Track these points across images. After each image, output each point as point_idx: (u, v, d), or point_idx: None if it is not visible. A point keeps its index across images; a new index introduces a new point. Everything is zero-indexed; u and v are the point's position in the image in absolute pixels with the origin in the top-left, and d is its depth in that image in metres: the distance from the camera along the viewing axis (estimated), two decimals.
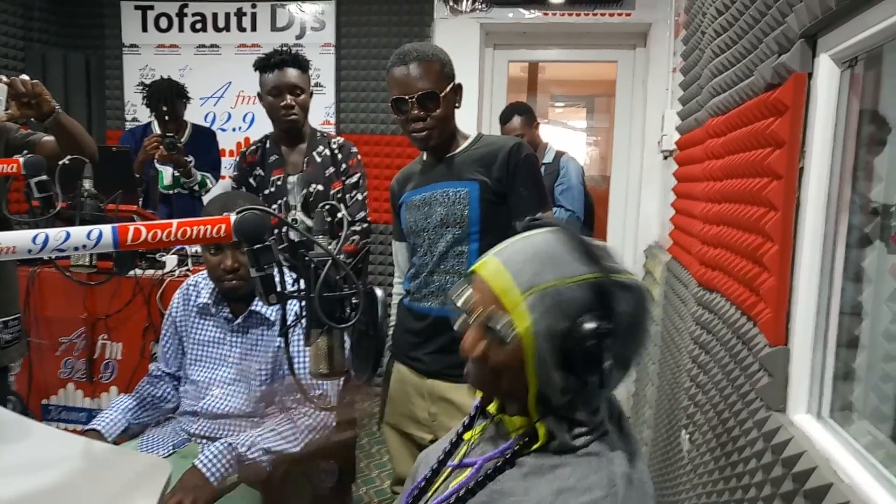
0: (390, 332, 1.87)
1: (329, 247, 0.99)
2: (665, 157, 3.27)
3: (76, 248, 0.88)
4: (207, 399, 1.83)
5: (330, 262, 0.94)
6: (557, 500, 0.83)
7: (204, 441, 1.80)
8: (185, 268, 2.66)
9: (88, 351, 2.67)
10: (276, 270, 0.95)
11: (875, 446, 1.05)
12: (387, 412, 1.87)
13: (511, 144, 1.69)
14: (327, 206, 1.15)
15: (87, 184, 1.68)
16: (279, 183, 2.40)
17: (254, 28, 4.07)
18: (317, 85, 4.02)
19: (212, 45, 4.12)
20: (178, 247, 2.68)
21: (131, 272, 2.55)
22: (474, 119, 3.84)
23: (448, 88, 1.69)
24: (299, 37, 4.02)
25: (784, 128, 1.24)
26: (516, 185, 1.66)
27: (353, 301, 0.98)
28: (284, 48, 2.41)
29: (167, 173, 3.32)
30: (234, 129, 4.17)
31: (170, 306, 1.98)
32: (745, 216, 1.45)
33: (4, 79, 1.73)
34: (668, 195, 2.85)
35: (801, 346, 1.20)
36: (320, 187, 2.36)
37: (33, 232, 0.86)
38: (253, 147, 2.54)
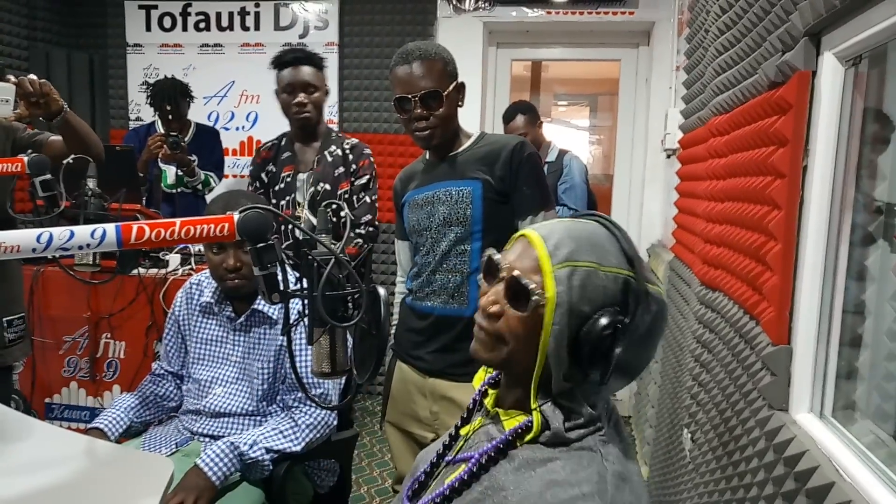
0: (392, 331, 1.87)
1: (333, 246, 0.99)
2: (668, 156, 3.27)
3: (80, 247, 0.88)
4: (210, 398, 1.83)
5: (333, 260, 0.94)
6: (547, 493, 0.83)
7: (206, 439, 1.80)
8: (189, 267, 2.67)
9: (91, 350, 2.68)
10: (278, 269, 0.95)
11: (877, 445, 1.05)
12: (388, 411, 1.87)
13: (514, 143, 1.69)
14: (333, 206, 1.15)
15: (91, 183, 1.69)
16: (288, 179, 2.41)
17: (257, 27, 4.07)
18: None
19: (215, 45, 4.12)
20: (182, 246, 2.68)
21: (134, 271, 2.56)
22: (477, 118, 3.84)
23: (451, 87, 1.69)
24: (302, 36, 4.01)
25: (787, 126, 1.24)
26: (519, 184, 1.66)
27: (356, 300, 0.98)
28: (300, 46, 2.42)
29: (171, 172, 3.32)
30: (237, 129, 4.17)
31: (173, 305, 1.99)
32: (748, 215, 1.45)
33: (13, 78, 1.73)
34: (671, 194, 2.85)
35: (804, 344, 1.20)
36: (328, 186, 2.37)
37: (37, 231, 0.86)
38: (269, 144, 2.56)
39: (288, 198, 2.41)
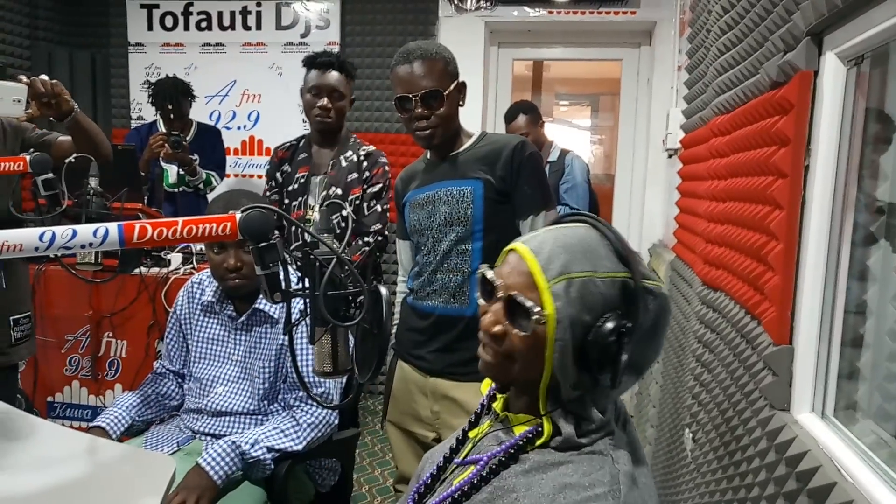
0: (394, 331, 1.87)
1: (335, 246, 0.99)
2: (669, 156, 3.26)
3: (82, 246, 0.88)
4: (211, 396, 1.84)
5: (335, 260, 0.94)
6: (559, 496, 0.83)
7: (208, 438, 1.81)
8: (190, 266, 2.67)
9: (93, 348, 2.68)
10: (280, 268, 0.96)
11: (879, 445, 1.05)
12: (389, 410, 1.87)
13: (515, 143, 1.69)
14: (329, 204, 1.15)
15: (93, 182, 1.69)
16: (302, 181, 2.41)
17: (259, 27, 4.07)
18: None
19: (217, 44, 4.12)
20: (183, 245, 2.68)
21: (136, 270, 2.56)
22: (479, 117, 3.84)
23: (452, 87, 1.69)
24: (304, 35, 4.02)
25: (789, 126, 1.24)
26: (520, 184, 1.66)
27: (358, 299, 0.98)
28: (334, 51, 2.41)
29: (172, 171, 3.33)
30: (238, 128, 4.17)
31: (174, 304, 1.99)
32: (749, 215, 1.45)
33: (25, 79, 1.74)
34: (672, 194, 2.85)
35: (806, 345, 1.20)
36: (339, 191, 2.36)
37: (40, 229, 0.86)
38: (287, 144, 2.56)
39: (300, 199, 2.40)
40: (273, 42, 4.05)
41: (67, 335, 2.70)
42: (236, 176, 4.16)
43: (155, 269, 2.61)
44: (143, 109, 4.13)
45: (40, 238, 0.86)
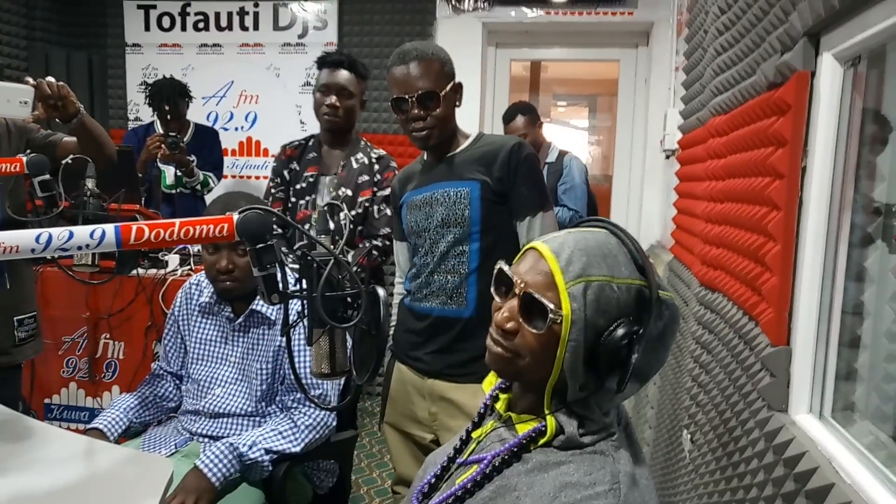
0: (391, 332, 1.87)
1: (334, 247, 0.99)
2: (667, 157, 3.26)
3: (79, 248, 0.88)
4: (209, 398, 1.83)
5: (332, 261, 0.94)
6: (561, 494, 0.84)
7: (206, 440, 1.80)
8: (188, 267, 2.67)
9: (91, 350, 2.68)
10: (277, 270, 0.95)
11: (877, 446, 1.05)
12: (387, 412, 1.87)
13: (512, 143, 1.69)
14: (328, 206, 1.15)
15: (90, 183, 1.69)
16: (311, 180, 2.39)
17: (256, 27, 4.07)
18: None
19: (214, 45, 4.12)
20: (181, 246, 2.68)
21: (133, 271, 2.56)
22: (476, 118, 3.84)
23: (448, 87, 1.69)
24: (301, 36, 4.02)
25: (786, 127, 1.24)
26: (517, 185, 1.66)
27: (356, 301, 0.98)
28: (347, 52, 2.40)
29: (170, 173, 3.33)
30: (236, 129, 4.17)
31: (173, 305, 1.99)
32: (747, 215, 1.45)
33: (31, 81, 1.75)
34: (670, 194, 2.85)
35: (803, 345, 1.20)
36: (349, 192, 2.34)
37: (36, 231, 0.86)
38: (295, 142, 2.53)
39: (308, 198, 2.38)
40: (270, 43, 4.06)
41: (64, 337, 2.69)
42: (234, 177, 4.16)
43: (152, 271, 2.61)
44: (141, 110, 4.13)
45: (37, 240, 0.86)
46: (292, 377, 1.07)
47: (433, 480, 1.03)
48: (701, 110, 2.12)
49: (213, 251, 1.77)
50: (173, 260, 2.68)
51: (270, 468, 1.69)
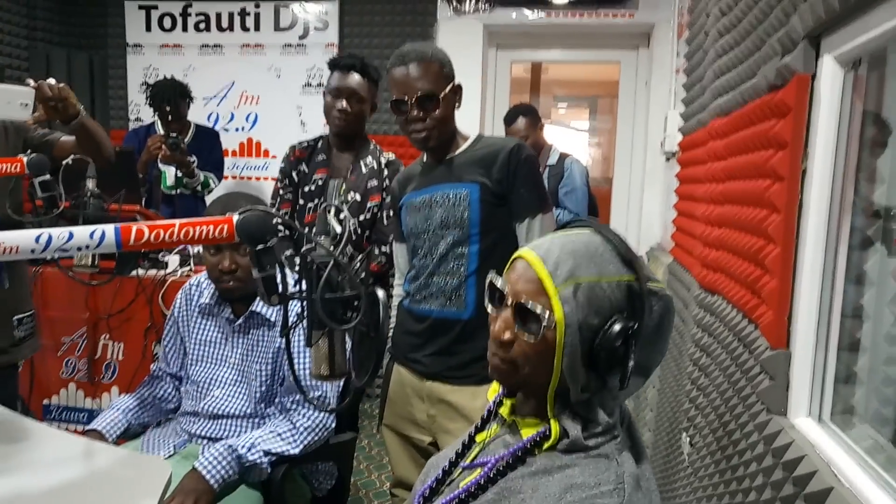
0: (390, 334, 1.87)
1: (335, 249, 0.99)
2: (668, 159, 3.27)
3: (79, 249, 0.88)
4: (208, 399, 1.83)
5: (332, 262, 0.94)
6: (566, 495, 0.84)
7: (204, 441, 1.80)
8: (188, 268, 2.67)
9: (90, 351, 2.67)
10: (277, 271, 0.95)
11: (876, 450, 1.05)
12: (386, 414, 1.86)
13: (511, 145, 1.69)
14: (331, 209, 1.14)
15: (91, 183, 1.69)
16: (320, 182, 2.37)
17: (257, 28, 4.08)
18: (319, 85, 4.02)
19: (215, 45, 4.13)
20: (181, 247, 2.68)
21: (133, 272, 2.56)
22: (477, 119, 3.84)
23: (447, 89, 1.69)
24: (302, 37, 4.02)
25: (787, 129, 1.24)
26: (516, 186, 1.66)
27: (355, 302, 0.98)
28: (360, 55, 2.38)
29: (170, 173, 3.33)
30: (237, 129, 4.17)
31: (173, 306, 1.98)
32: (747, 218, 1.45)
33: (32, 82, 1.76)
34: (670, 197, 2.85)
35: (803, 349, 1.20)
36: (358, 197, 2.32)
37: (36, 231, 0.86)
38: (304, 144, 2.50)
39: (317, 200, 2.36)
40: (271, 43, 4.06)
41: (64, 337, 2.69)
42: (234, 178, 4.16)
43: (152, 272, 2.61)
44: (141, 111, 4.14)
45: (36, 240, 0.86)
46: (291, 379, 1.06)
47: (434, 484, 1.03)
48: (701, 112, 2.12)
49: (215, 252, 1.77)
50: (173, 261, 2.68)
51: (269, 470, 1.68)
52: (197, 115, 3.76)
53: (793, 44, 1.24)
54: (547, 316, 0.87)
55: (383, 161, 2.38)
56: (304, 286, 0.97)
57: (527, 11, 3.80)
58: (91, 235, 0.88)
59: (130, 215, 2.48)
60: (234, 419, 1.81)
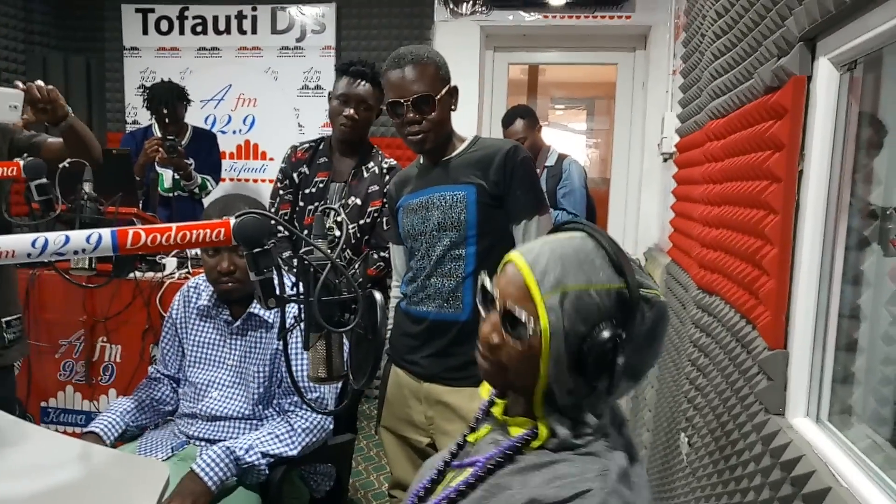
0: (387, 336, 1.87)
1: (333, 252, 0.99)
2: (665, 160, 3.27)
3: (75, 252, 0.88)
4: (206, 401, 1.83)
5: (329, 265, 0.94)
6: (550, 485, 0.85)
7: (202, 443, 1.80)
8: (185, 270, 2.66)
9: (87, 353, 2.67)
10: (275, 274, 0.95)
11: (874, 450, 1.05)
12: (383, 415, 1.87)
13: (508, 147, 1.69)
14: (330, 212, 1.14)
15: (87, 187, 1.69)
16: (321, 185, 2.37)
17: (254, 31, 4.07)
18: (316, 88, 4.02)
19: (212, 48, 4.12)
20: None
21: (131, 275, 2.56)
22: (474, 121, 3.84)
23: (443, 91, 1.69)
24: (300, 39, 4.02)
25: (783, 131, 1.24)
26: (513, 188, 1.66)
27: (352, 305, 0.98)
28: (370, 63, 2.37)
29: (167, 176, 3.32)
30: (234, 132, 4.17)
31: (170, 308, 1.98)
32: (744, 219, 1.45)
33: (21, 85, 1.75)
34: (667, 198, 2.85)
35: (800, 349, 1.20)
36: (358, 202, 2.31)
37: (32, 235, 0.86)
38: (307, 144, 2.49)
39: (317, 203, 2.36)
40: (269, 46, 4.06)
41: (61, 340, 2.69)
42: (232, 181, 4.16)
43: (150, 274, 2.61)
44: (139, 114, 4.13)
45: (33, 244, 0.86)
46: (289, 380, 1.06)
47: (429, 484, 1.04)
48: (698, 114, 2.12)
49: (214, 253, 1.77)
50: (171, 263, 2.68)
51: (267, 472, 1.68)
52: (194, 117, 3.76)
53: (789, 46, 1.24)
54: (532, 324, 0.87)
55: (385, 167, 2.37)
56: (301, 289, 0.98)
57: (524, 13, 3.80)
58: (88, 239, 0.88)
59: (127, 218, 2.48)
60: (232, 421, 1.81)
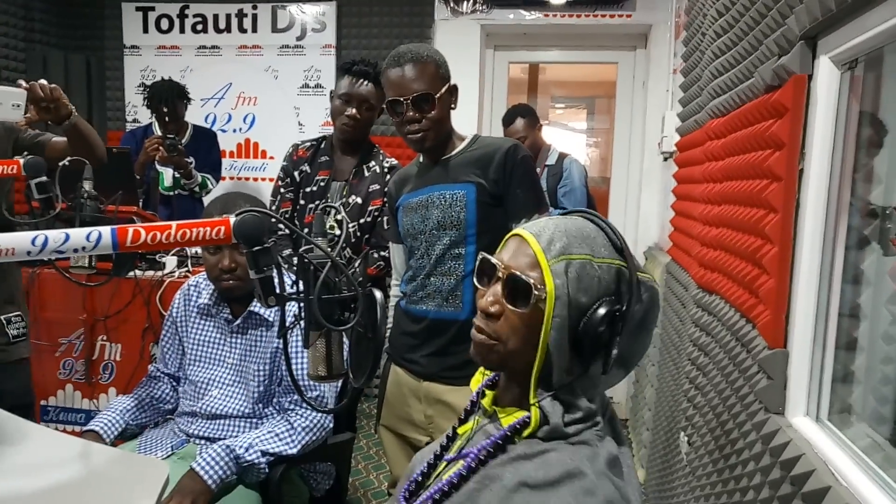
0: (387, 335, 1.87)
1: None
2: (665, 159, 3.27)
3: (75, 250, 0.88)
4: (206, 399, 1.83)
5: (329, 263, 0.94)
6: (539, 470, 0.86)
7: (202, 442, 1.80)
8: (185, 269, 2.66)
9: (87, 352, 2.67)
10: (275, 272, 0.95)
11: (873, 449, 1.05)
12: (383, 414, 1.87)
13: (507, 146, 1.69)
14: (324, 208, 1.14)
15: (88, 185, 1.68)
16: (322, 184, 2.37)
17: (254, 29, 4.07)
18: (317, 86, 4.02)
19: (213, 47, 4.12)
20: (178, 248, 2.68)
21: (131, 273, 2.56)
22: (475, 120, 3.84)
23: (443, 90, 1.69)
24: (300, 38, 4.02)
25: (784, 130, 1.24)
26: (513, 187, 1.66)
27: (352, 303, 0.98)
28: (374, 62, 2.36)
29: (168, 174, 3.32)
30: (234, 131, 4.17)
31: (171, 306, 1.98)
32: (744, 218, 1.45)
33: (24, 84, 1.75)
34: (667, 197, 2.85)
35: (800, 348, 1.20)
36: (359, 200, 2.31)
37: (32, 234, 0.86)
38: (308, 143, 2.49)
39: (318, 201, 2.36)
40: (269, 45, 4.06)
41: (61, 338, 2.69)
42: (232, 179, 4.16)
43: (150, 273, 2.61)
44: (139, 112, 4.13)
45: (33, 242, 0.86)
46: (289, 379, 1.06)
47: (419, 479, 1.04)
48: (699, 113, 2.12)
49: (215, 251, 1.78)
50: (171, 262, 2.68)
51: (267, 470, 1.68)
52: (194, 116, 3.76)
53: (789, 44, 1.24)
54: (538, 286, 0.88)
55: (386, 166, 2.37)
56: (301, 287, 0.97)
57: (524, 12, 3.80)
58: (88, 237, 0.88)
59: (127, 216, 2.48)
60: (232, 419, 1.81)
